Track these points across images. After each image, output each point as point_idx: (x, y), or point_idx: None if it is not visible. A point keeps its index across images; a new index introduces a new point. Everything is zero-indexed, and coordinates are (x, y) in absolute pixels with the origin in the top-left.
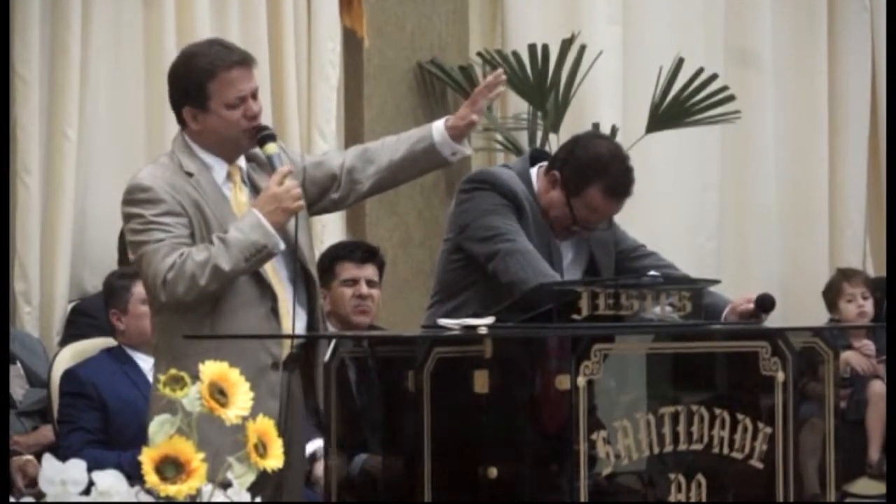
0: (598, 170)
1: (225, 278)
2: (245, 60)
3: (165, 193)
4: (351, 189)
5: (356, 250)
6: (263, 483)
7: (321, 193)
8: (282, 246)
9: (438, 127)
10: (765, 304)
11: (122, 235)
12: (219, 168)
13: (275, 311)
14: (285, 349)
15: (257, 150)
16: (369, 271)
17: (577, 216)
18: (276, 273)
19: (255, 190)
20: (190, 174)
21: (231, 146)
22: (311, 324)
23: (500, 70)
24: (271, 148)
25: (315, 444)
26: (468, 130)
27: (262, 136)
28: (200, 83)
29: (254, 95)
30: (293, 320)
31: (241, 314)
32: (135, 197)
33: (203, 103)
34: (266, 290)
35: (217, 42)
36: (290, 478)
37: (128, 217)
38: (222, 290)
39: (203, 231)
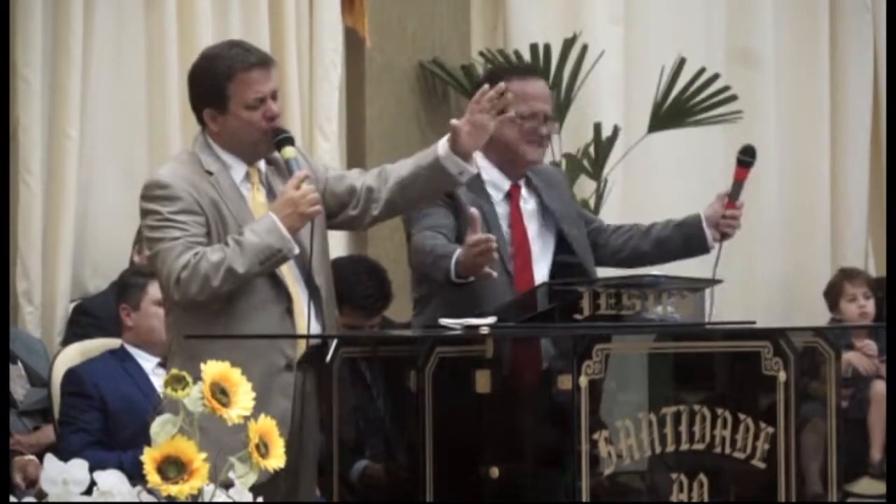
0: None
1: (238, 280)
2: (264, 62)
3: (183, 191)
4: (367, 208)
5: (370, 297)
6: (276, 483)
7: (340, 207)
8: (296, 250)
9: (443, 142)
10: (746, 152)
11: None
12: (238, 168)
13: (290, 312)
14: (299, 350)
15: (276, 154)
16: (377, 319)
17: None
18: (291, 274)
19: (271, 192)
20: (210, 173)
21: (250, 149)
22: (325, 327)
23: (501, 84)
24: (289, 152)
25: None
26: (468, 144)
27: (280, 139)
28: (219, 85)
29: (273, 96)
30: (308, 321)
31: (256, 314)
32: (153, 193)
33: (222, 105)
34: (281, 291)
35: (236, 44)
36: (303, 478)
37: (145, 213)
38: (236, 290)
39: (220, 230)
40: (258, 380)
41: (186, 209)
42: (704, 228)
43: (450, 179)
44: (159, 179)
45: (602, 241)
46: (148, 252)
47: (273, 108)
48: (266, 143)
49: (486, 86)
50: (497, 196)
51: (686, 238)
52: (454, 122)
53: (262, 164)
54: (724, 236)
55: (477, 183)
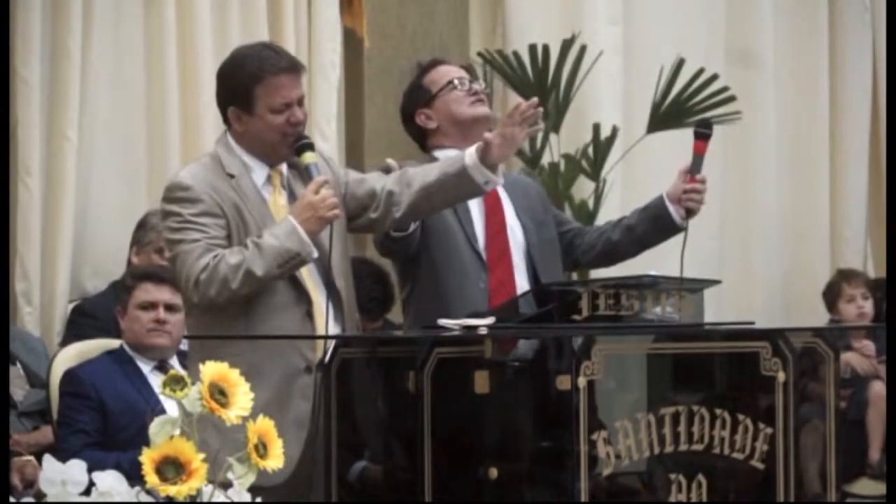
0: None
1: (257, 283)
2: (293, 67)
3: (204, 193)
4: (388, 211)
5: (372, 301)
6: (291, 485)
7: (360, 210)
8: (315, 254)
9: (471, 151)
10: (703, 125)
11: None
12: (259, 170)
13: (310, 315)
14: (319, 353)
15: (297, 158)
16: (379, 322)
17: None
18: (311, 276)
19: (293, 196)
20: (231, 175)
21: (270, 151)
22: (345, 329)
23: (534, 99)
24: (309, 157)
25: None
26: (497, 156)
27: (301, 144)
28: (248, 86)
29: (299, 102)
30: (326, 323)
31: (276, 317)
32: (174, 195)
33: (249, 106)
34: (302, 294)
35: (268, 46)
36: (318, 478)
37: (165, 214)
38: (256, 293)
39: (241, 232)
40: (278, 382)
41: (207, 211)
42: (668, 206)
43: (475, 188)
44: (181, 181)
45: (578, 241)
46: (168, 253)
47: (298, 114)
48: (286, 146)
49: (521, 100)
50: None
51: (653, 219)
52: (487, 135)
53: (283, 167)
54: (689, 212)
55: None
